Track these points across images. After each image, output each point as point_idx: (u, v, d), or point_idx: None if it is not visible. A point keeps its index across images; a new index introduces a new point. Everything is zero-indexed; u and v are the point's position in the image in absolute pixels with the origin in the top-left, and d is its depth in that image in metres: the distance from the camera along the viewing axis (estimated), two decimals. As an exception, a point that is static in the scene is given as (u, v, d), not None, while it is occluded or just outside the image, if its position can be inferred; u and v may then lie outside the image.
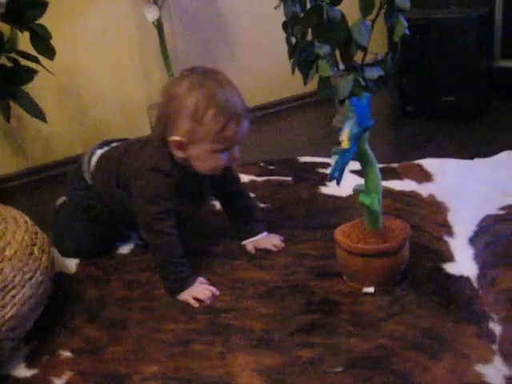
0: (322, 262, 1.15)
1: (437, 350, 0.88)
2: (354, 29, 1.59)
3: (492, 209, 1.26)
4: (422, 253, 1.13)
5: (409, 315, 0.96)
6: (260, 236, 1.24)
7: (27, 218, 1.14)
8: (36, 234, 1.10)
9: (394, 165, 1.56)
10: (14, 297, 0.94)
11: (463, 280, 1.05)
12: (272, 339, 0.96)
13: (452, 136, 1.79)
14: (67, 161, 1.83)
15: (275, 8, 1.68)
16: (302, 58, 1.71)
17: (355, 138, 0.95)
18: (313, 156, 1.71)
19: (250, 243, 1.24)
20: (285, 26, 1.73)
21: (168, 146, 1.11)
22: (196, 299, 1.07)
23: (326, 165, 1.62)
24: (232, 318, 1.02)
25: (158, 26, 1.82)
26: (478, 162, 1.53)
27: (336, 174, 0.96)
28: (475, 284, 1.04)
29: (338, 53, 1.71)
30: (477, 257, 1.11)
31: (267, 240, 1.23)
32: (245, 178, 1.61)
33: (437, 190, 1.41)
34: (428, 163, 1.55)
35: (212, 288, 1.10)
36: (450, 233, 1.21)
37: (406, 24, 1.61)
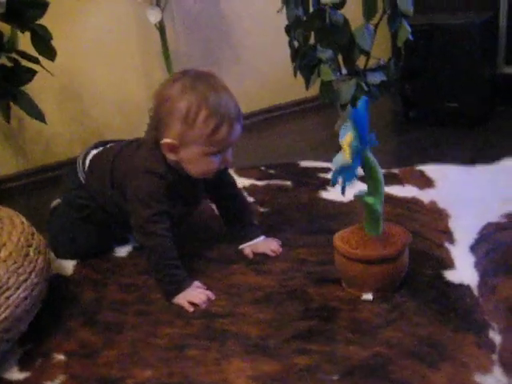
0: (321, 267, 1.14)
1: (435, 358, 0.87)
2: (356, 33, 1.59)
3: (493, 216, 1.25)
4: (422, 260, 1.12)
5: (408, 323, 0.95)
6: (257, 240, 1.23)
7: (24, 219, 1.13)
8: (32, 235, 1.09)
9: (396, 170, 1.55)
10: (8, 298, 0.93)
11: (463, 288, 1.04)
12: (268, 345, 0.94)
13: (455, 142, 1.78)
14: (67, 162, 1.82)
15: (278, 11, 1.68)
16: (305, 62, 1.71)
17: (358, 153, 0.94)
18: (313, 160, 1.70)
19: (247, 247, 1.23)
20: (287, 29, 1.73)
21: (161, 149, 1.10)
22: (191, 303, 1.06)
23: (327, 169, 1.60)
24: (228, 323, 1.01)
25: (161, 27, 1.81)
26: (479, 169, 1.51)
27: (342, 191, 0.98)
28: (475, 292, 1.02)
29: (340, 57, 1.71)
30: (477, 265, 1.10)
31: (265, 244, 1.22)
32: (245, 181, 1.60)
33: (438, 196, 1.39)
34: (430, 169, 1.54)
35: (208, 292, 1.09)
36: (451, 240, 1.20)
37: (409, 29, 1.61)
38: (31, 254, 1.03)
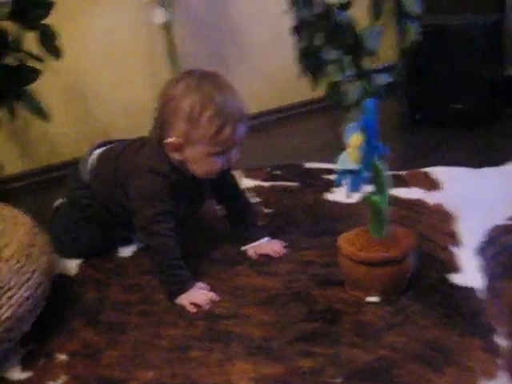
0: (325, 269, 1.13)
1: (441, 362, 0.86)
2: (363, 34, 1.58)
3: (500, 219, 1.24)
4: (428, 262, 1.11)
5: (412, 326, 0.94)
6: (261, 241, 1.22)
7: (28, 219, 1.13)
8: (36, 234, 1.09)
9: (402, 172, 1.54)
10: (10, 298, 0.93)
11: (469, 291, 1.02)
12: (272, 347, 0.94)
13: (461, 144, 1.76)
14: (72, 162, 1.82)
15: (284, 12, 1.67)
16: (311, 62, 1.70)
17: (367, 159, 0.94)
18: (319, 162, 1.69)
19: (250, 248, 1.22)
20: (294, 30, 1.72)
21: (165, 149, 1.10)
22: (194, 304, 1.05)
23: (332, 171, 1.60)
24: (232, 324, 1.00)
25: (166, 28, 1.81)
26: (486, 171, 1.50)
27: (347, 195, 0.97)
28: (481, 296, 1.01)
29: (347, 58, 1.70)
30: (484, 268, 1.09)
31: (268, 245, 1.22)
32: (250, 182, 1.59)
33: (444, 198, 1.38)
34: (436, 171, 1.53)
35: (211, 293, 1.08)
36: (457, 243, 1.19)
37: (416, 30, 1.60)
38: (34, 253, 1.03)
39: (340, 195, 1.43)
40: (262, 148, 1.92)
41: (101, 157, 1.25)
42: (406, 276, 1.03)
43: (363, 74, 1.67)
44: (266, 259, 1.20)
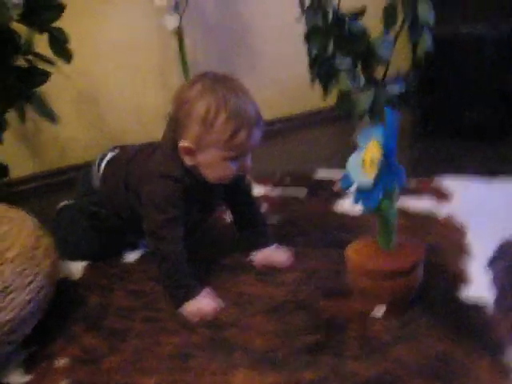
0: (332, 280, 1.11)
1: (447, 379, 0.83)
2: (375, 42, 1.57)
3: (512, 232, 1.21)
4: (437, 274, 1.09)
5: (419, 340, 0.92)
6: (269, 249, 1.21)
7: (34, 221, 1.13)
8: (41, 237, 1.09)
9: (413, 182, 1.52)
10: (12, 300, 0.92)
11: (478, 306, 1.00)
12: (275, 358, 0.92)
13: (473, 155, 1.74)
14: (83, 165, 1.82)
15: (296, 20, 1.66)
16: (323, 70, 1.69)
17: (384, 186, 0.92)
18: (329, 171, 1.68)
19: (258, 256, 1.20)
20: (307, 37, 1.71)
21: (178, 152, 1.08)
22: (199, 312, 1.04)
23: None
24: (235, 333, 0.99)
25: (179, 34, 1.81)
26: (498, 182, 1.48)
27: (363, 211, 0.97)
28: (491, 310, 0.99)
29: (359, 67, 1.69)
30: (494, 281, 1.06)
31: (276, 254, 1.20)
32: (259, 189, 1.58)
33: (455, 209, 1.36)
34: (447, 182, 1.51)
35: (217, 301, 1.07)
36: (467, 255, 1.17)
37: (429, 40, 1.58)
38: (38, 256, 1.02)
39: (348, 205, 1.42)
40: (271, 155, 1.91)
41: (112, 162, 1.24)
42: (413, 288, 1.01)
43: (375, 83, 1.66)
44: (271, 268, 1.18)
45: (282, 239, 1.27)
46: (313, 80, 1.71)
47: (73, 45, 1.48)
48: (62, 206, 1.33)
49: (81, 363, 0.96)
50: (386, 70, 1.69)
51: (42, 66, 1.46)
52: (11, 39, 1.33)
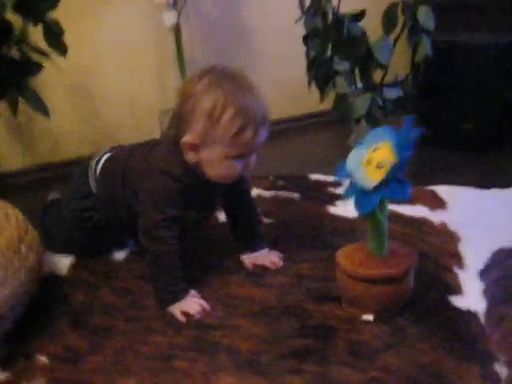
0: (322, 284, 1.09)
1: (435, 388, 0.81)
2: (374, 46, 1.56)
3: (505, 242, 1.20)
4: (429, 282, 1.07)
5: (408, 348, 0.90)
6: (260, 252, 1.19)
7: (20, 214, 1.10)
8: (26, 231, 1.06)
9: (407, 189, 1.50)
10: (-8, 294, 0.90)
11: (470, 315, 0.98)
12: (260, 362, 0.90)
13: (469, 164, 1.73)
14: (75, 160, 1.80)
15: (296, 22, 1.65)
16: (320, 73, 1.67)
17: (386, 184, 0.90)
18: (324, 174, 1.66)
19: (248, 258, 1.18)
20: (305, 39, 1.70)
21: (180, 149, 1.04)
22: (185, 313, 1.02)
23: (337, 184, 1.56)
24: (220, 335, 0.97)
25: (176, 31, 1.79)
26: (493, 192, 1.46)
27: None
28: (482, 320, 0.97)
29: (357, 71, 1.67)
30: (486, 291, 1.05)
31: (266, 256, 1.18)
32: (253, 191, 1.56)
33: (449, 218, 1.34)
34: (442, 190, 1.49)
35: (203, 302, 1.04)
36: (460, 264, 1.15)
37: (429, 44, 1.57)
38: (22, 250, 1.00)
39: (343, 209, 1.40)
40: (266, 157, 1.88)
41: (110, 160, 1.20)
42: (404, 295, 0.99)
43: (373, 87, 1.64)
44: (261, 270, 1.16)
45: (273, 241, 1.25)
46: (310, 82, 1.69)
47: (69, 39, 1.47)
48: (52, 201, 1.30)
49: (60, 361, 0.93)
50: (385, 74, 1.67)
51: (36, 58, 1.44)
52: (5, 29, 1.30)
